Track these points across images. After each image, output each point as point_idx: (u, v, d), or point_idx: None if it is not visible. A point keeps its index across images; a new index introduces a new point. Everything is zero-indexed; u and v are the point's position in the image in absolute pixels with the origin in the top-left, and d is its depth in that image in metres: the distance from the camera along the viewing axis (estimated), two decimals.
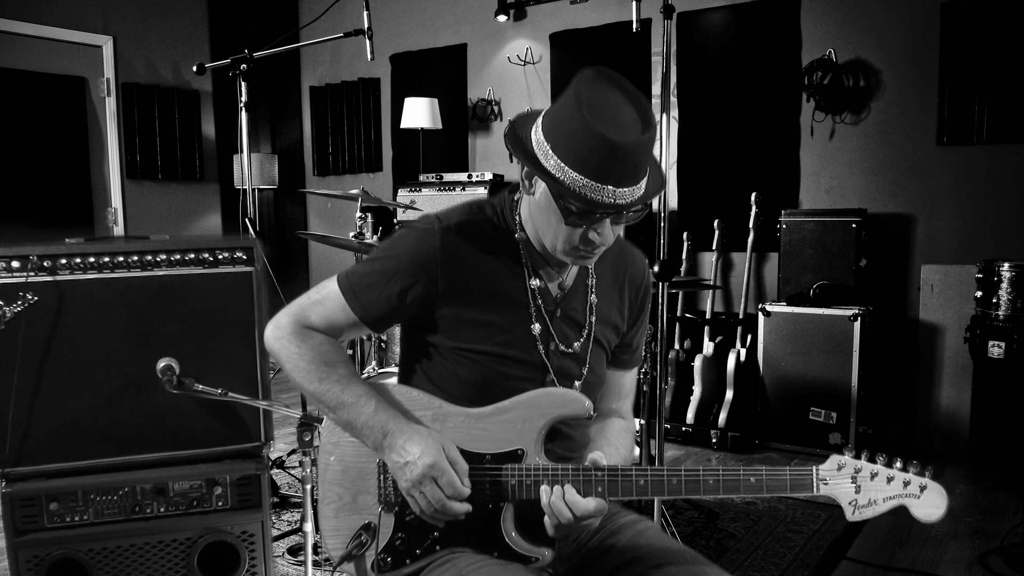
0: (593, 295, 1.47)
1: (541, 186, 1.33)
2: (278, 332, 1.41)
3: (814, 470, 1.24)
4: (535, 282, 1.41)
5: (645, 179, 1.28)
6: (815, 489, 1.24)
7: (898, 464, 1.22)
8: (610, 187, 1.23)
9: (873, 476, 1.22)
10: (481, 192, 5.11)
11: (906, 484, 1.21)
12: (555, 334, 1.42)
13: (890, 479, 1.21)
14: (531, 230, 1.40)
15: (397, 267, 1.37)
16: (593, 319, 1.47)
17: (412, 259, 1.37)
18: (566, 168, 1.24)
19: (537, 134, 1.30)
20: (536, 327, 1.41)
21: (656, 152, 1.39)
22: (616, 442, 1.48)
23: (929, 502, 1.20)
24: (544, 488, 1.31)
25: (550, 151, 1.26)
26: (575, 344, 1.44)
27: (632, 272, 1.54)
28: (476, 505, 1.34)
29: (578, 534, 1.40)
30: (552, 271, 1.44)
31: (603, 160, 1.21)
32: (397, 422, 1.35)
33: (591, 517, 1.29)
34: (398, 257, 1.38)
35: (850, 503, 1.22)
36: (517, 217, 1.42)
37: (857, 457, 1.23)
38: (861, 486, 1.22)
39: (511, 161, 5.48)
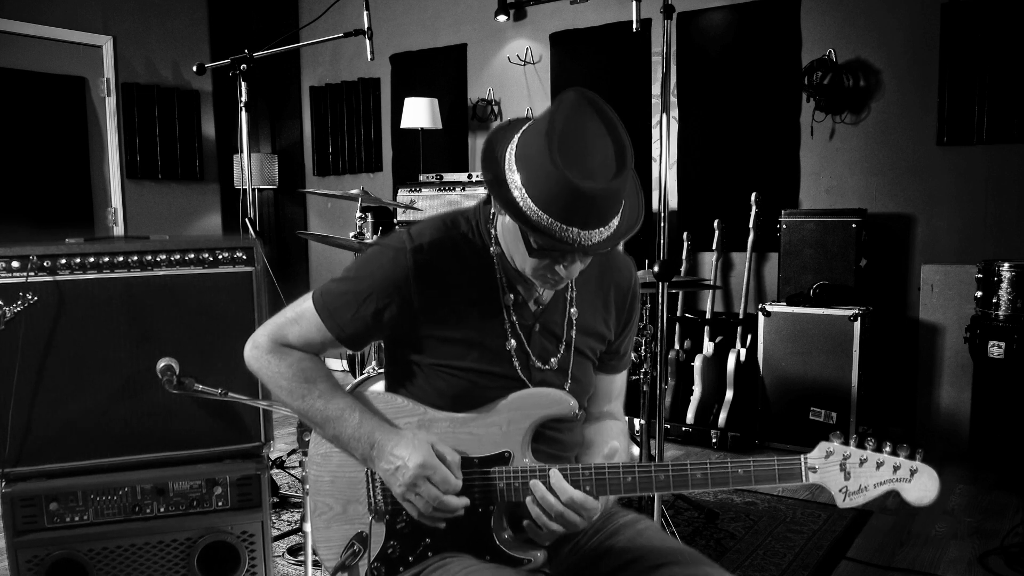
0: (573, 308, 1.44)
1: None
2: (256, 351, 1.41)
3: (802, 459, 1.23)
4: (510, 298, 1.39)
5: (617, 217, 1.24)
6: (804, 478, 1.22)
7: (887, 448, 1.20)
8: (575, 228, 1.19)
9: (862, 462, 1.20)
10: (481, 192, 5.11)
11: (896, 468, 1.19)
12: (532, 350, 1.40)
13: (880, 464, 1.19)
14: (505, 246, 1.36)
15: (371, 288, 1.35)
16: (573, 332, 1.44)
17: (384, 280, 1.35)
18: (532, 204, 1.19)
19: (510, 159, 1.24)
20: (512, 343, 1.39)
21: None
22: (617, 445, 1.47)
23: (920, 485, 1.18)
24: (528, 498, 1.30)
25: (519, 181, 1.21)
26: (552, 360, 1.42)
27: (617, 280, 1.51)
28: (466, 510, 1.33)
29: (571, 532, 1.34)
30: (529, 286, 1.40)
31: (568, 203, 1.17)
32: (383, 431, 1.35)
33: (581, 509, 1.28)
34: (371, 277, 1.36)
35: (840, 490, 1.21)
36: (492, 231, 1.38)
37: (846, 443, 1.22)
38: (851, 473, 1.20)
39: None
